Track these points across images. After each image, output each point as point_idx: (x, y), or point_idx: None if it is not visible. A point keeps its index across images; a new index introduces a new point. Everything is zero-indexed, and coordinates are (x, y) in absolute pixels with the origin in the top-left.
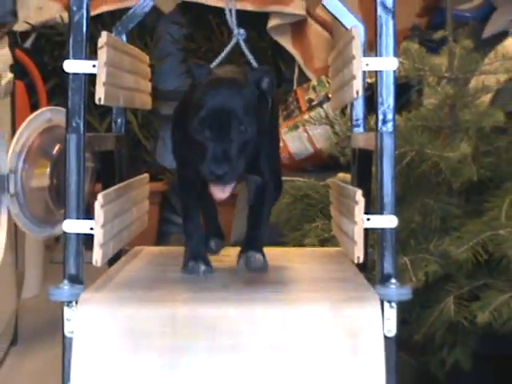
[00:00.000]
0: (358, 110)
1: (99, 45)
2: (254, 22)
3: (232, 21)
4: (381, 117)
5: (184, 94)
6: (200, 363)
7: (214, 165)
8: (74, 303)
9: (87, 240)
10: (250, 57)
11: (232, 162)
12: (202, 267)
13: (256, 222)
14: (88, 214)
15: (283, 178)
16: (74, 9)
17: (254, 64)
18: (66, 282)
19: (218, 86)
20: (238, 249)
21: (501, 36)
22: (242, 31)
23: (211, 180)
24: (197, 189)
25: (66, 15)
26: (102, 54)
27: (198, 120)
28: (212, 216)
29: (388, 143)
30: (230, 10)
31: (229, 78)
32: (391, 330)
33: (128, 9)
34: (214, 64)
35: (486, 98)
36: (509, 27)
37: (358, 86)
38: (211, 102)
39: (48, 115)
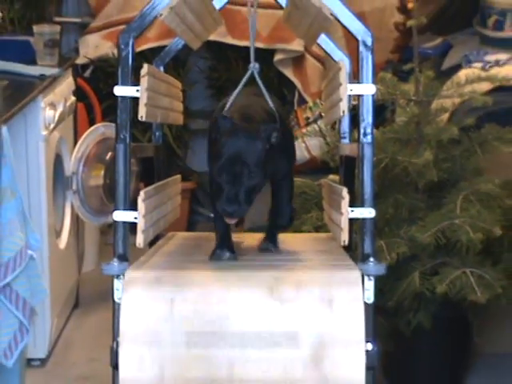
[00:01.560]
0: (345, 125)
1: (142, 74)
2: (263, 56)
3: (251, 57)
4: (362, 131)
5: (211, 125)
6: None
7: (227, 204)
8: (121, 276)
9: (132, 227)
10: (261, 86)
11: (240, 202)
12: (227, 254)
13: (275, 216)
14: (133, 207)
15: None
16: (122, 47)
17: (267, 96)
18: (115, 259)
19: (236, 140)
20: (250, 234)
21: (456, 68)
22: (256, 65)
23: (223, 213)
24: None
25: (115, 51)
26: (144, 81)
27: (218, 167)
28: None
29: (368, 152)
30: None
31: (245, 132)
32: (370, 297)
33: (165, 46)
34: (237, 91)
35: (444, 116)
36: (462, 61)
37: (344, 106)
38: (229, 152)
39: (102, 129)
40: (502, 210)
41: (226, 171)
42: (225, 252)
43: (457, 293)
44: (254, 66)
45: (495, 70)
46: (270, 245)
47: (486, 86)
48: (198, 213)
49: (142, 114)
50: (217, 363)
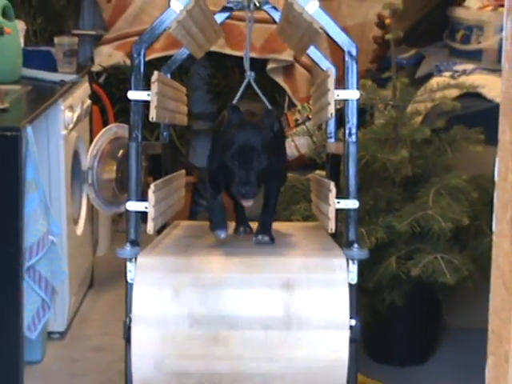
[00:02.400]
0: (331, 126)
1: (152, 80)
2: (257, 65)
3: (246, 65)
4: (348, 131)
5: (217, 123)
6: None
7: (241, 186)
8: (133, 259)
9: (143, 215)
10: (257, 90)
11: (252, 184)
12: (223, 235)
13: (267, 213)
14: (143, 198)
15: None
16: (135, 56)
17: (265, 99)
18: (128, 244)
19: (245, 130)
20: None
21: (428, 76)
22: (252, 73)
23: (238, 196)
24: (218, 186)
25: (127, 60)
26: (154, 86)
27: (230, 154)
28: (241, 212)
29: (353, 149)
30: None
31: (252, 123)
32: (354, 279)
33: (171, 56)
34: (237, 98)
35: (418, 119)
36: (433, 70)
37: (331, 109)
38: (240, 141)
39: (114, 129)
40: (469, 202)
41: (237, 158)
42: (220, 231)
43: (429, 275)
44: (250, 74)
45: (463, 79)
46: (265, 238)
47: (454, 93)
48: (199, 204)
49: (153, 115)
50: (216, 343)
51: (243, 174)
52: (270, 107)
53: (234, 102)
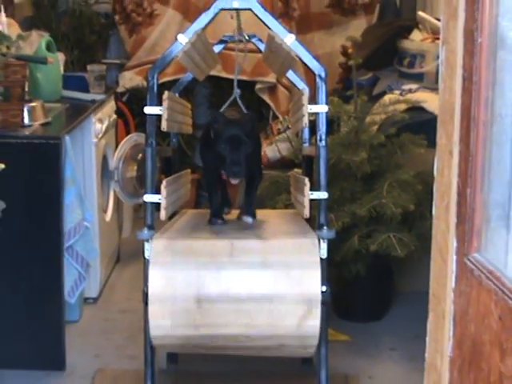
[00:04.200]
0: (306, 133)
1: (163, 98)
2: (247, 86)
3: (235, 85)
4: (319, 137)
5: (206, 127)
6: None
7: (231, 167)
8: (150, 240)
9: (157, 205)
10: (240, 104)
11: (240, 165)
12: (219, 221)
13: (249, 197)
14: (157, 191)
15: (264, 172)
16: (150, 79)
17: (243, 107)
18: (145, 228)
19: (231, 124)
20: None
21: (382, 94)
22: (238, 91)
23: (230, 175)
24: (214, 178)
25: (145, 83)
26: (165, 103)
27: (222, 142)
28: (225, 194)
29: (323, 152)
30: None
31: (235, 119)
32: (324, 254)
33: (179, 79)
34: (223, 108)
35: (375, 127)
36: (386, 89)
37: (305, 120)
38: (228, 132)
39: (135, 138)
40: (415, 192)
41: (227, 145)
42: (217, 219)
43: (384, 250)
44: (236, 92)
45: (409, 96)
46: (249, 218)
47: (403, 107)
48: (203, 196)
49: (164, 126)
50: (217, 315)
51: (233, 157)
52: (248, 113)
53: (222, 110)
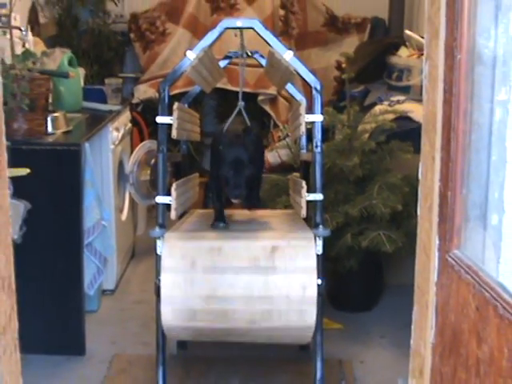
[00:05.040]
0: (303, 141)
1: (174, 109)
2: (251, 97)
3: (240, 97)
4: (315, 144)
5: (214, 139)
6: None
7: (233, 190)
8: (161, 237)
9: (168, 206)
10: (244, 115)
11: (241, 187)
12: (221, 224)
13: (252, 191)
14: (168, 193)
15: (265, 175)
16: (162, 91)
17: (246, 118)
18: (157, 227)
19: (234, 146)
20: (239, 210)
21: (373, 105)
22: (242, 103)
23: (231, 196)
24: (218, 186)
25: (157, 95)
26: (175, 113)
27: (225, 165)
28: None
29: (319, 158)
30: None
31: (238, 143)
32: (320, 250)
33: (188, 91)
34: (230, 119)
35: (366, 135)
36: (376, 100)
37: (303, 129)
38: (231, 155)
39: (148, 145)
40: (402, 194)
41: (230, 169)
42: (220, 223)
43: (374, 246)
44: (241, 104)
45: (397, 106)
46: (250, 206)
47: (391, 116)
48: (209, 197)
49: (174, 134)
50: (224, 308)
51: (235, 181)
52: (249, 124)
53: (228, 121)
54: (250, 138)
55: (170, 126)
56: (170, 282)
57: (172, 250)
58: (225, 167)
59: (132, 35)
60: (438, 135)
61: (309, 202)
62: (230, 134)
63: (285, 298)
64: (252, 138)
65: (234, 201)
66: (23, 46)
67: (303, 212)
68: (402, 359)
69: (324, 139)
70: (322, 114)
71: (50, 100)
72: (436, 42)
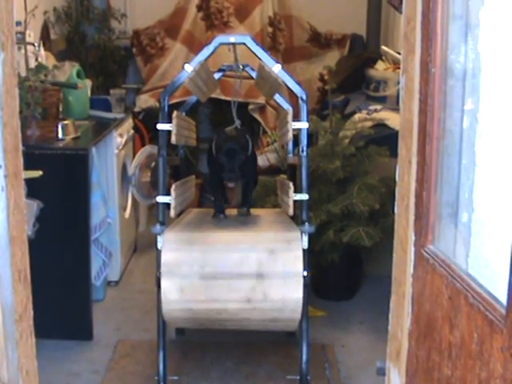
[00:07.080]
0: (290, 146)
1: (173, 116)
2: (242, 106)
3: (234, 113)
4: (301, 149)
5: (209, 144)
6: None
7: (228, 173)
8: (161, 234)
9: (168, 205)
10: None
11: (235, 171)
12: (221, 216)
13: (245, 197)
14: (168, 193)
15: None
16: (161, 101)
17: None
18: (158, 224)
19: (229, 139)
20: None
21: (352, 113)
22: (238, 122)
23: (226, 180)
24: (217, 182)
25: (157, 104)
26: (174, 120)
27: (221, 154)
28: (225, 195)
29: (304, 161)
30: (234, 103)
31: (232, 136)
32: (305, 245)
33: (185, 100)
34: (229, 128)
35: (347, 140)
36: (356, 109)
37: (290, 135)
38: (226, 145)
39: (149, 149)
40: (380, 194)
41: (225, 156)
42: (220, 214)
43: (354, 241)
44: (237, 122)
45: (375, 114)
46: (244, 209)
47: (369, 123)
48: (205, 197)
49: (174, 139)
50: (218, 290)
51: (229, 166)
52: (246, 133)
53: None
54: (241, 137)
55: (169, 132)
56: (168, 275)
57: (171, 242)
58: (220, 156)
59: (134, 50)
60: (414, 141)
61: (295, 202)
62: (225, 131)
63: (274, 292)
64: (244, 138)
65: (230, 185)
66: (36, 60)
67: (290, 210)
68: (380, 343)
69: (309, 144)
70: (307, 121)
71: (61, 109)
72: (412, 57)
